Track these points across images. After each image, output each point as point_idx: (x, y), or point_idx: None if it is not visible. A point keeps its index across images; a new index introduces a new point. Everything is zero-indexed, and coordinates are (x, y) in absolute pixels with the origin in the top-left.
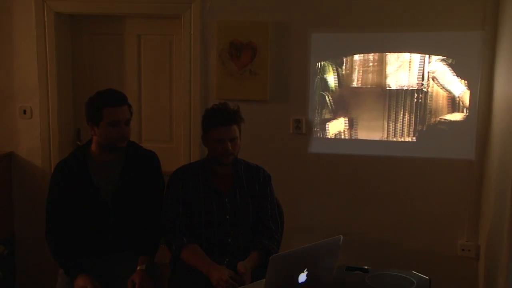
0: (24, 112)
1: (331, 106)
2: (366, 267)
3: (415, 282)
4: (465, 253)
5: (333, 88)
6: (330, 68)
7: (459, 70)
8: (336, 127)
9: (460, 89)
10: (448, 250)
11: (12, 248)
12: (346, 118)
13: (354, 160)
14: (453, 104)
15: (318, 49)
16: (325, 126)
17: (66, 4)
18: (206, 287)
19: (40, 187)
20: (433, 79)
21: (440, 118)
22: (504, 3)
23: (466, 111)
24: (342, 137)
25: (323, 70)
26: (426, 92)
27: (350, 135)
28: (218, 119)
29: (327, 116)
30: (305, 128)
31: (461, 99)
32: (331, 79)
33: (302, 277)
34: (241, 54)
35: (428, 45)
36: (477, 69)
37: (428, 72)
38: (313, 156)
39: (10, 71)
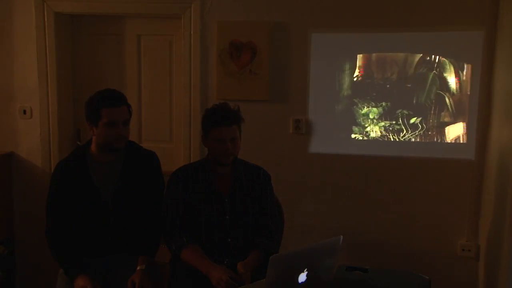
0: (24, 112)
1: (452, 109)
2: (366, 267)
3: (415, 282)
4: (465, 253)
5: (454, 91)
6: (452, 68)
7: (459, 70)
8: (456, 131)
9: None
10: (448, 250)
11: (12, 248)
12: (465, 123)
13: (354, 160)
14: None
15: (318, 49)
16: (443, 129)
17: (66, 4)
18: (206, 287)
19: (40, 187)
20: None
21: None
22: (504, 3)
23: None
24: (461, 141)
25: (441, 67)
26: None
27: (468, 140)
28: (218, 119)
29: (446, 119)
30: (305, 128)
31: None
32: (452, 80)
33: (302, 277)
34: (241, 54)
35: (428, 45)
36: (477, 69)
37: None
38: (313, 156)
39: (10, 71)
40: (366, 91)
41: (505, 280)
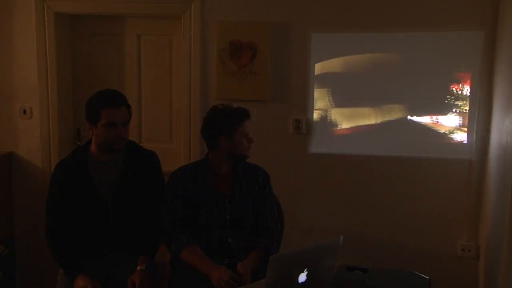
0: (24, 112)
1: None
2: (366, 267)
3: (415, 282)
4: (465, 253)
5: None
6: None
7: (459, 70)
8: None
9: None
10: (448, 250)
11: (12, 248)
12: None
13: (354, 160)
14: None
15: (318, 49)
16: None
17: (66, 4)
18: (206, 287)
19: (40, 187)
20: None
21: None
22: (504, 3)
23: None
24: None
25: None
26: None
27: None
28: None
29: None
30: (305, 128)
31: None
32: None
33: (302, 277)
34: (241, 54)
35: (428, 45)
36: (477, 69)
37: None
38: (313, 156)
39: (10, 71)
40: (365, 90)
41: (505, 280)
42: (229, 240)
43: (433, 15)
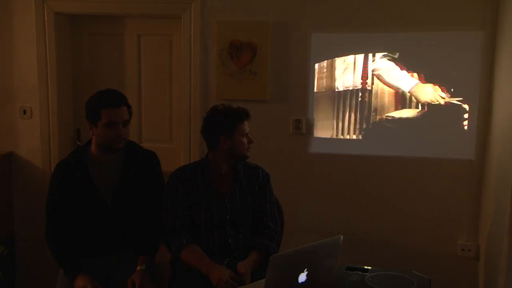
0: (24, 112)
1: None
2: (366, 267)
3: (415, 282)
4: (465, 253)
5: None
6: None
7: (459, 70)
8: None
9: (410, 83)
10: (448, 250)
11: (12, 248)
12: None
13: (354, 160)
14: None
15: (318, 49)
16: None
17: (66, 4)
18: (206, 287)
19: (40, 187)
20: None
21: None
22: (504, 3)
23: (423, 107)
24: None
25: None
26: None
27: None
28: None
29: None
30: (305, 128)
31: (412, 94)
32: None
33: (302, 277)
34: (241, 54)
35: (428, 45)
36: (477, 69)
37: (373, 71)
38: (313, 156)
39: (10, 71)
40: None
41: (505, 280)
42: (229, 240)
43: (433, 15)
